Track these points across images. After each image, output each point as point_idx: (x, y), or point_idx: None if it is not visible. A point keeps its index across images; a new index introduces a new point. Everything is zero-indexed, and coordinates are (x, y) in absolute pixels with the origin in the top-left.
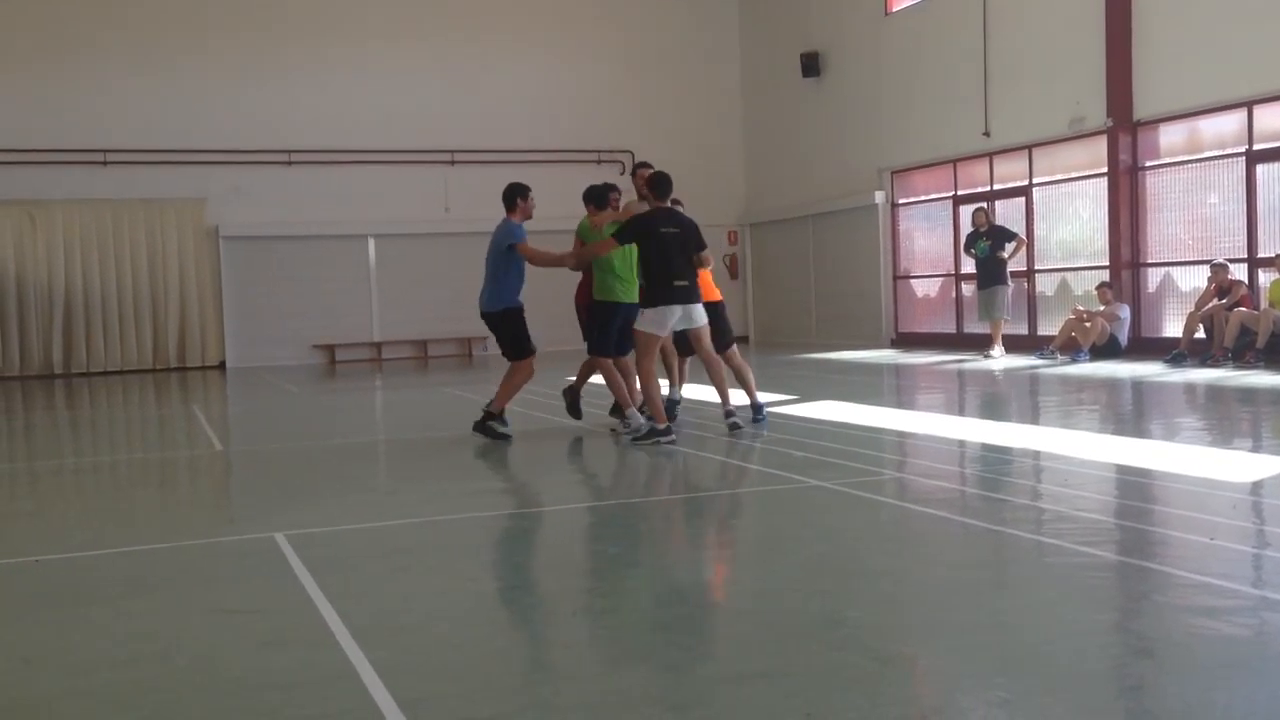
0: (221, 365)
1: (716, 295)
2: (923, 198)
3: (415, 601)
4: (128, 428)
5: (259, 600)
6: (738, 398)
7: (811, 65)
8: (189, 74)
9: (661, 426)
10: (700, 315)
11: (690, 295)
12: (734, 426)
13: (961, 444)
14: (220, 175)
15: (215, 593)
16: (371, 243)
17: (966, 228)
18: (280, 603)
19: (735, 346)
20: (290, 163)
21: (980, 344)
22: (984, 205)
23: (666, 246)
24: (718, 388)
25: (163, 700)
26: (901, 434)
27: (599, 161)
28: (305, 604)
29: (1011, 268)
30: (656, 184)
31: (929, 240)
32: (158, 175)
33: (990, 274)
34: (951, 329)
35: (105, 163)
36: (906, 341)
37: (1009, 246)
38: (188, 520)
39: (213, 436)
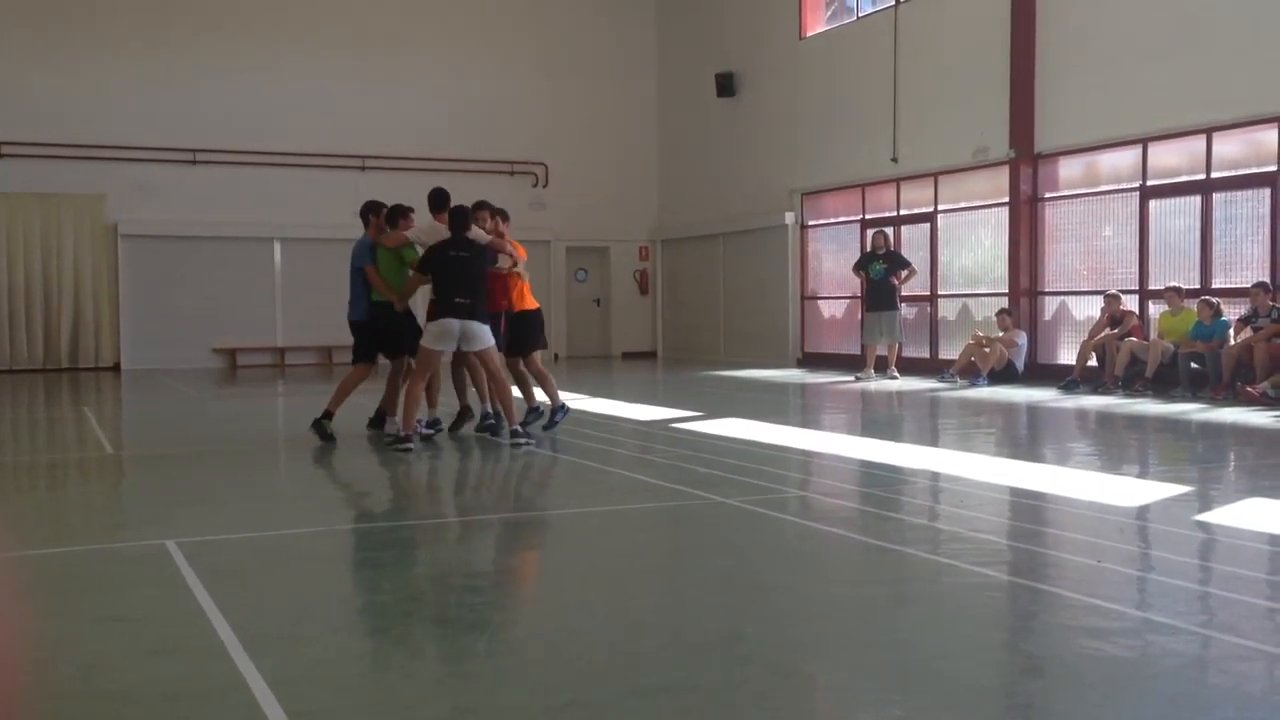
0: (116, 367)
1: (532, 304)
2: (832, 220)
3: (309, 612)
4: (15, 429)
5: (148, 608)
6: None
7: (726, 85)
8: (93, 65)
9: (406, 434)
10: (480, 336)
11: (465, 313)
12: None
13: (863, 464)
14: (122, 171)
15: (103, 600)
16: (277, 246)
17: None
18: (170, 611)
19: (538, 355)
20: (195, 161)
21: (880, 365)
22: (884, 229)
23: (455, 269)
24: (548, 393)
25: (46, 710)
26: (805, 453)
27: (512, 173)
28: (196, 613)
29: (902, 293)
30: (451, 214)
31: (837, 262)
32: (56, 169)
33: (886, 297)
34: (856, 350)
35: (1, 155)
36: (812, 361)
37: (902, 273)
38: (76, 525)
39: (104, 439)
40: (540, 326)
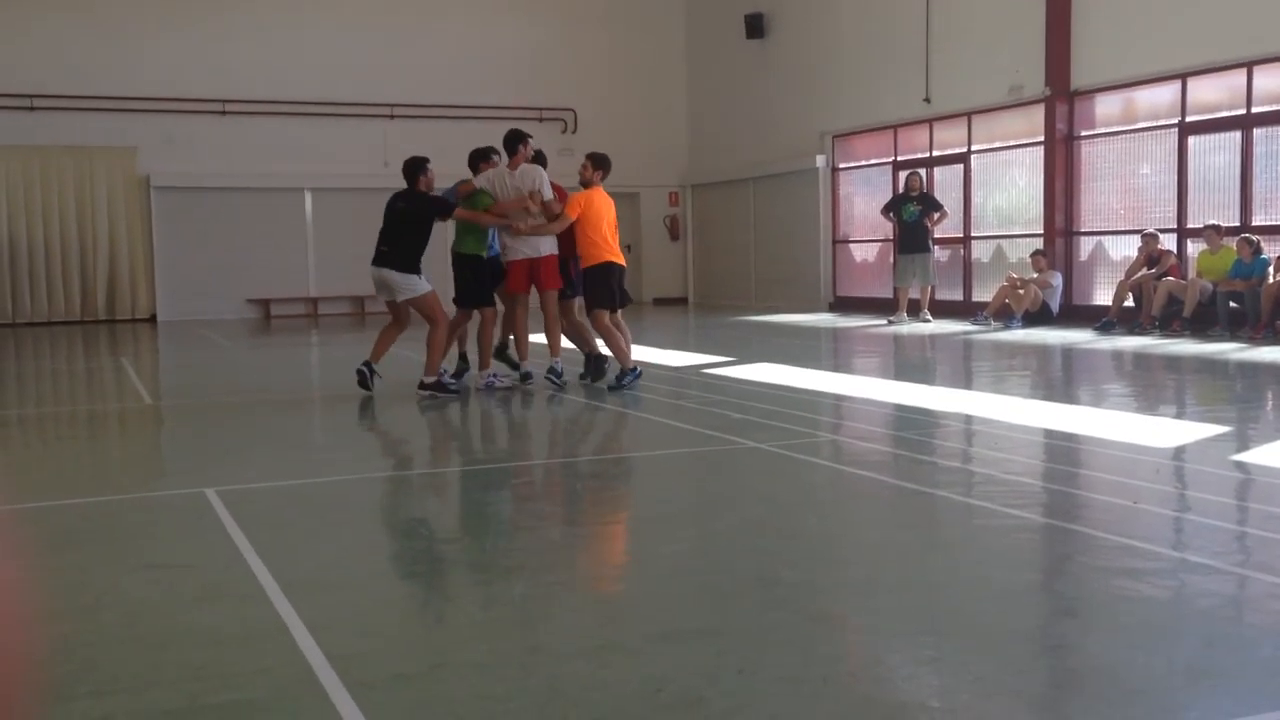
0: (152, 318)
1: (595, 258)
2: (863, 162)
3: (347, 558)
4: (55, 380)
5: (189, 555)
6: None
7: (755, 26)
8: (121, 18)
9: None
10: (397, 284)
11: (380, 260)
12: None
13: (895, 408)
14: (152, 123)
15: (145, 547)
16: (308, 196)
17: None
18: (210, 558)
19: (607, 312)
20: (225, 112)
21: (913, 308)
22: (918, 171)
23: (389, 219)
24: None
25: (90, 655)
26: (837, 397)
27: (541, 119)
28: (236, 559)
29: (934, 235)
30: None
31: (868, 205)
32: (87, 122)
33: (919, 240)
34: (888, 294)
35: (32, 108)
36: (844, 305)
37: (935, 215)
38: (117, 474)
39: (142, 390)
40: (597, 282)
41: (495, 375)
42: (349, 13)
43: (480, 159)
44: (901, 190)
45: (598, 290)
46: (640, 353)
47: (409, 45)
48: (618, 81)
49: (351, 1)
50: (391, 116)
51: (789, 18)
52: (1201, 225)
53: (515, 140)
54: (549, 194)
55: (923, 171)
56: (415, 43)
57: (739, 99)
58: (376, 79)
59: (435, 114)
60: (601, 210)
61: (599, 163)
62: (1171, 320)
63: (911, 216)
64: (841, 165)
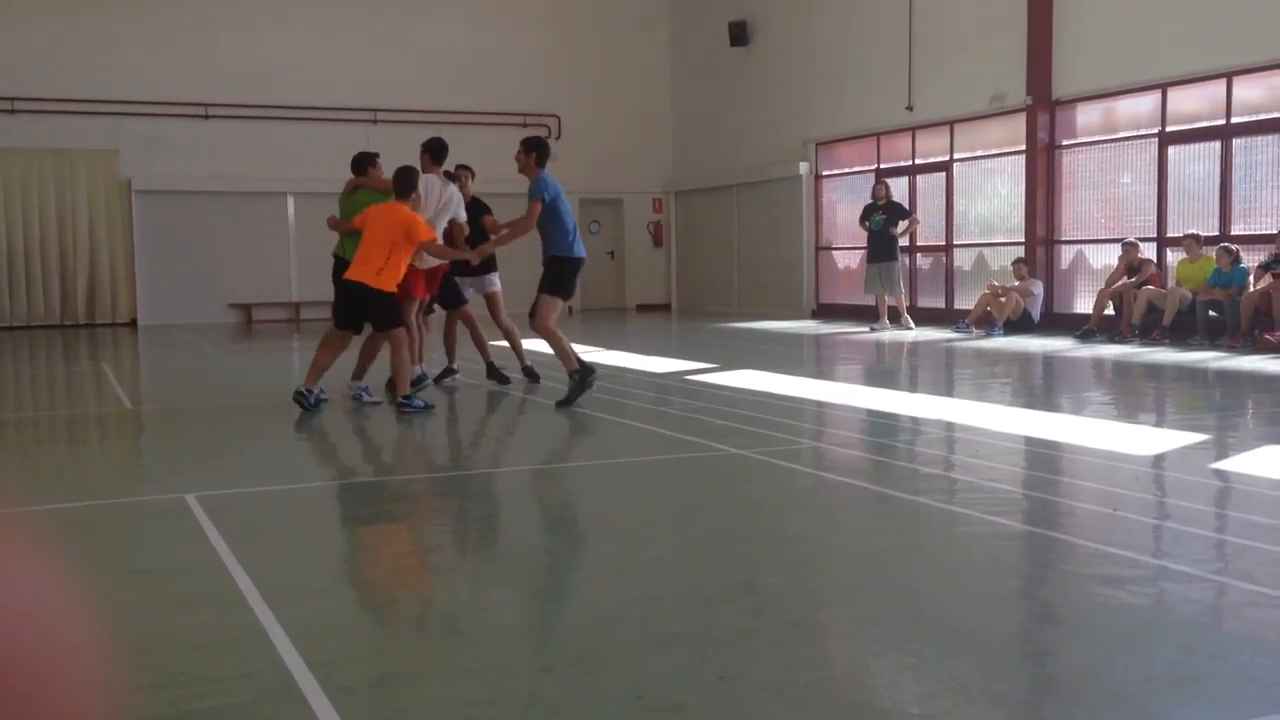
0: (133, 322)
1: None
2: (846, 170)
3: (328, 564)
4: (34, 385)
5: (169, 561)
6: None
7: (740, 34)
8: (103, 19)
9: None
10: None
11: None
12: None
13: (877, 414)
14: (135, 126)
15: (124, 553)
16: (290, 200)
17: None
18: (191, 564)
19: (338, 332)
20: (207, 116)
21: (894, 315)
22: (884, 180)
23: None
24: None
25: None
26: (819, 404)
27: (524, 125)
28: (216, 565)
29: (902, 244)
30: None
31: (851, 212)
32: (69, 125)
33: (886, 249)
34: (871, 301)
35: (14, 111)
36: (827, 312)
37: (902, 224)
38: (96, 479)
39: (122, 395)
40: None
41: (365, 389)
42: (332, 17)
43: (366, 163)
44: (870, 199)
45: (335, 306)
46: (623, 359)
47: (393, 50)
48: (602, 88)
49: (335, 5)
50: (374, 121)
51: (772, 25)
52: (1181, 234)
53: (442, 150)
54: (461, 218)
55: (899, 180)
56: (399, 47)
57: (723, 106)
58: (360, 83)
59: (418, 119)
60: (373, 226)
61: (395, 176)
62: (1151, 329)
63: (877, 225)
64: (824, 172)
